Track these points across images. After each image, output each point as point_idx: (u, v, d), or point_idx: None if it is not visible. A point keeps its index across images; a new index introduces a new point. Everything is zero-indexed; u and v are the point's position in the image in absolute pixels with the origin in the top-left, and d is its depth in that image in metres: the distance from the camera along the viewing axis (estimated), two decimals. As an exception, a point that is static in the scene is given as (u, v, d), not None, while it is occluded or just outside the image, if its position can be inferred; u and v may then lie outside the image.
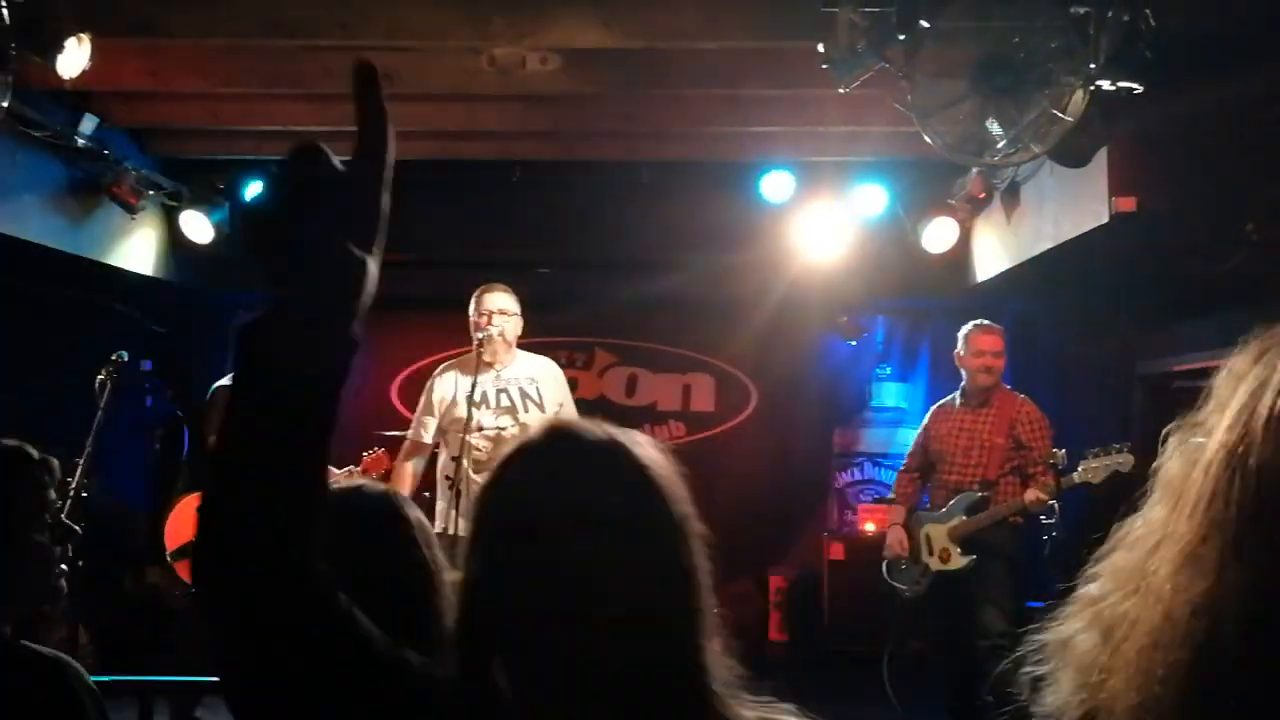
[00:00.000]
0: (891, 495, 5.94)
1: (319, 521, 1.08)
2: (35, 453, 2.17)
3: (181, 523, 5.57)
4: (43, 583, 2.14)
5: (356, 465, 5.73)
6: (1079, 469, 4.90)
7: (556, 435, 1.30)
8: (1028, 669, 1.48)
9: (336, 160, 1.06)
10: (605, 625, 1.17)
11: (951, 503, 5.42)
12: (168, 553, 5.56)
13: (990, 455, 5.36)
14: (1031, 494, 5.10)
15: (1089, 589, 1.38)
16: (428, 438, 5.21)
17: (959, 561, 5.31)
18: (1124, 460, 4.78)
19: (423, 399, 5.31)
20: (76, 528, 2.24)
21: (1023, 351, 7.36)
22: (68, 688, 1.96)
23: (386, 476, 5.91)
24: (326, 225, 1.03)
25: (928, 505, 5.63)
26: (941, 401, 5.76)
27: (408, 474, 5.26)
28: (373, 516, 1.78)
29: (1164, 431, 1.44)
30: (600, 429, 1.31)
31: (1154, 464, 1.39)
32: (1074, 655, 1.28)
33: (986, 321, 5.58)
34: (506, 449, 1.31)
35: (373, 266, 1.06)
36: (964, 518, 5.34)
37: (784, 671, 7.46)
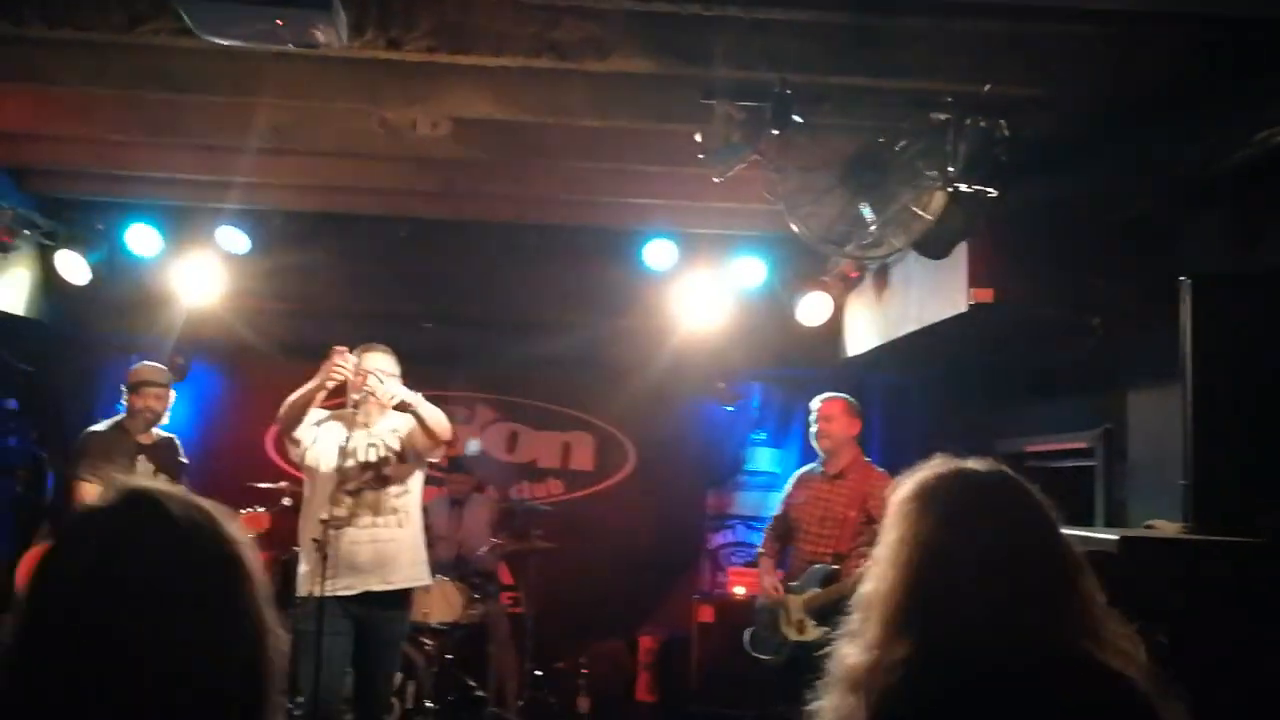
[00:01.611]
0: (760, 550, 6.01)
1: None
2: None
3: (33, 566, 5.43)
4: None
5: None
6: None
7: (139, 502, 1.22)
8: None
9: None
10: (164, 709, 1.13)
11: (806, 574, 5.54)
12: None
13: (843, 528, 5.49)
14: None
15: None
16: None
17: (813, 633, 5.42)
18: None
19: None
20: None
21: (893, 424, 7.64)
22: None
23: (266, 537, 5.87)
24: None
25: (786, 574, 5.75)
26: (804, 469, 5.91)
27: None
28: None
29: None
30: (185, 500, 1.24)
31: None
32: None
33: (829, 393, 5.76)
34: (81, 508, 1.23)
35: None
36: (817, 590, 5.47)
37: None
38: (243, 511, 5.71)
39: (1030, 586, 1.67)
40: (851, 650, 1.80)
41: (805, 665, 5.38)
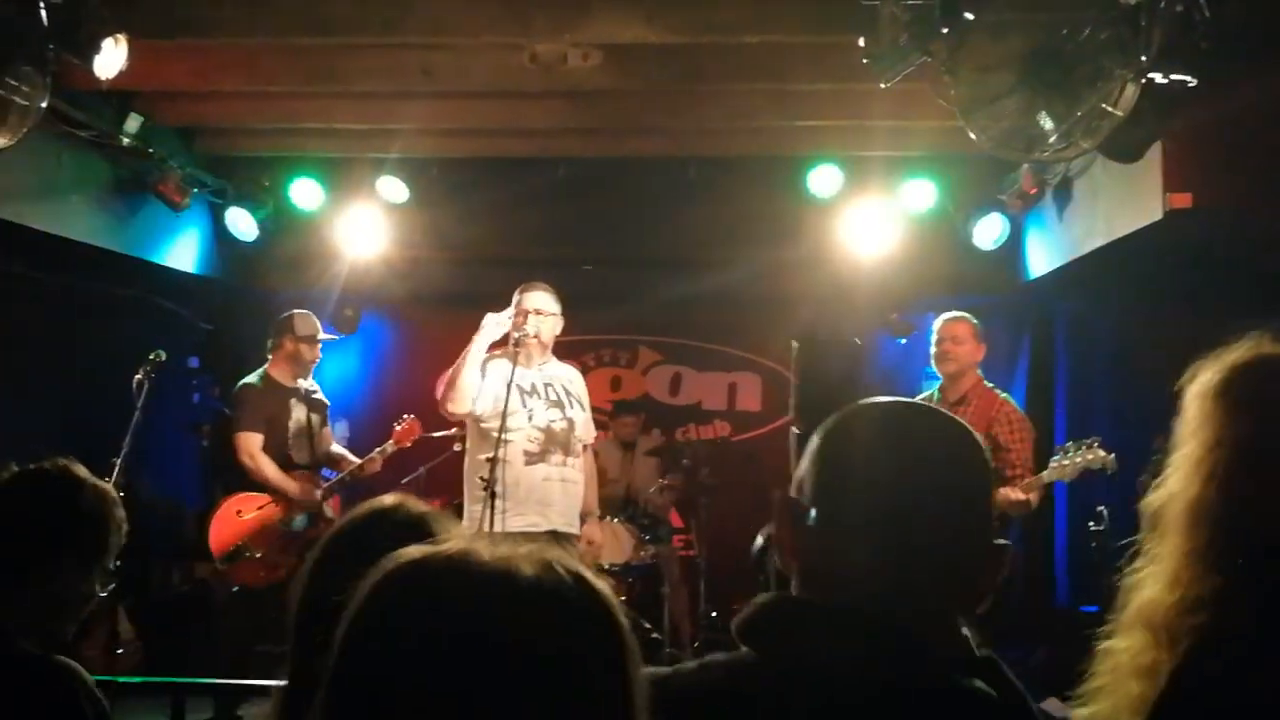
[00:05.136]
0: None
1: None
2: (88, 480, 2.13)
3: (223, 525, 5.53)
4: (68, 615, 2.13)
5: (389, 443, 5.75)
6: (1049, 467, 4.70)
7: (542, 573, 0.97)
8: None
9: None
10: None
11: None
12: (216, 559, 5.54)
13: None
14: (1006, 493, 4.66)
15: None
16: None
17: None
18: (1096, 458, 4.59)
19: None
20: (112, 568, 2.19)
21: (1080, 352, 7.20)
22: (68, 692, 1.92)
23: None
24: None
25: None
26: (918, 398, 5.59)
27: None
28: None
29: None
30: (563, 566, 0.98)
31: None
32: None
33: (954, 313, 5.34)
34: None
35: None
36: None
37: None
38: (396, 424, 5.84)
39: None
40: (1148, 581, 1.42)
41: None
